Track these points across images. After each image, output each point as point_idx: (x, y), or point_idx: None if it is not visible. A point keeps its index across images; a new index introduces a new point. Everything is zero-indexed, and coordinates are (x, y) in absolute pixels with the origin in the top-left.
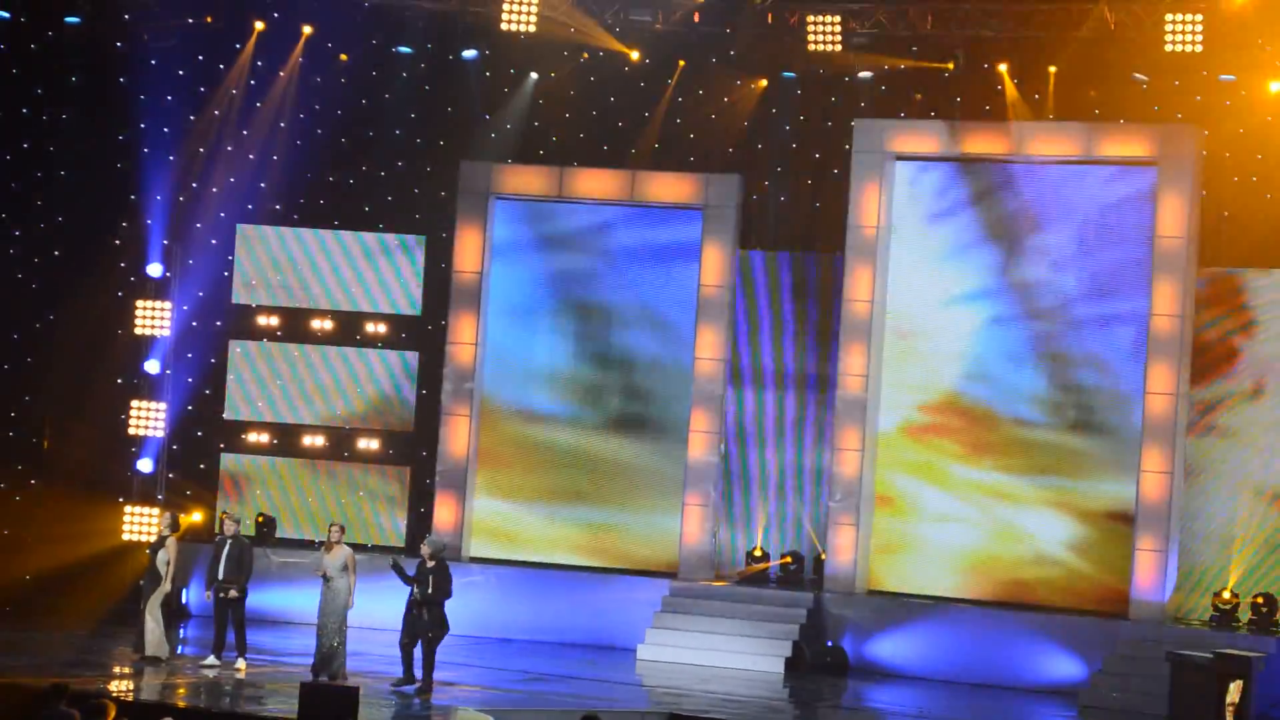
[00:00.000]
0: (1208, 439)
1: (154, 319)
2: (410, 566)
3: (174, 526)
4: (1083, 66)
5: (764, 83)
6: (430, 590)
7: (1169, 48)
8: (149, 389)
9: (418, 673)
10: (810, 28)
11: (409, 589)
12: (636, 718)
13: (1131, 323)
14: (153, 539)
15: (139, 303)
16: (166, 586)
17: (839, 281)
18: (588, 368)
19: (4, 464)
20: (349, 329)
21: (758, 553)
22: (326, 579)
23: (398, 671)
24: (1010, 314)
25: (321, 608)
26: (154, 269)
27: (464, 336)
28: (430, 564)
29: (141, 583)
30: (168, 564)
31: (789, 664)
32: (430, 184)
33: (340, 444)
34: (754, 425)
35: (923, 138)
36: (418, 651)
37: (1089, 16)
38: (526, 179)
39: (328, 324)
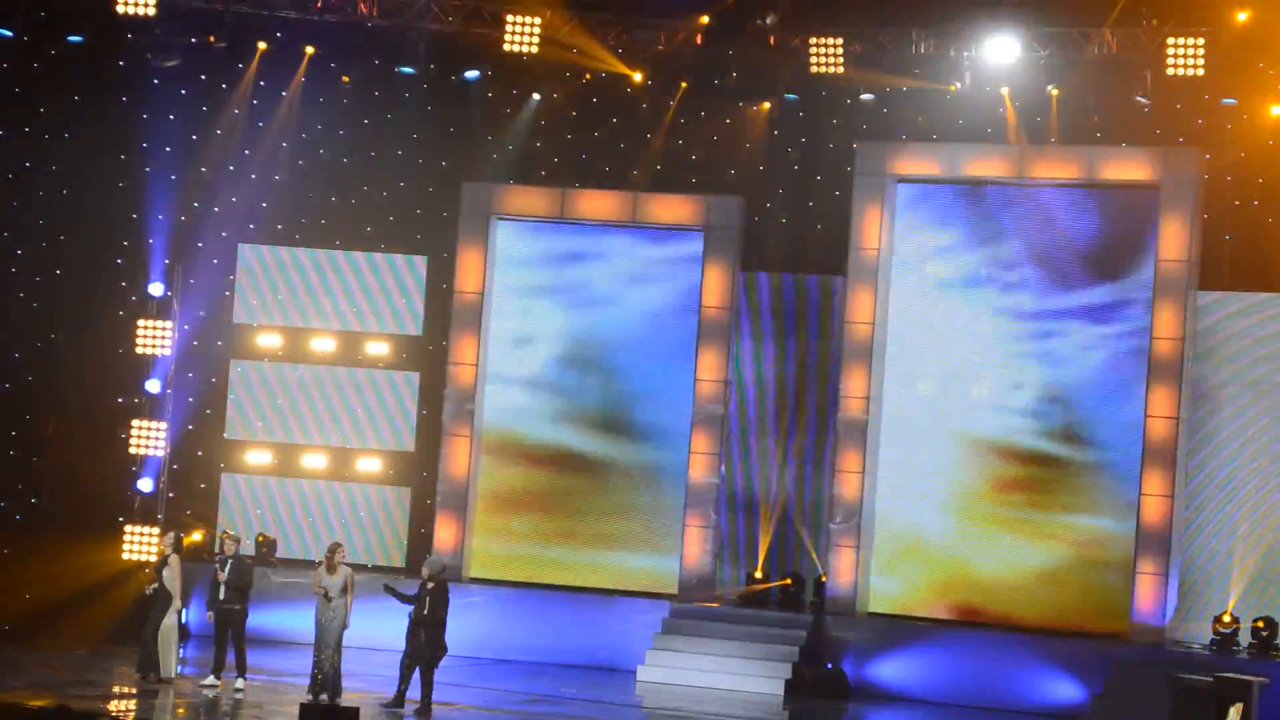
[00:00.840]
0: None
1: (155, 338)
2: (408, 587)
3: (177, 546)
4: (1085, 90)
5: (766, 105)
6: (427, 611)
7: (1171, 71)
8: (150, 408)
9: (413, 695)
10: (813, 50)
11: (409, 607)
12: None
13: (1136, 346)
14: (155, 559)
15: (140, 322)
16: (177, 604)
17: (840, 303)
18: (588, 388)
19: (4, 483)
20: (350, 349)
21: (758, 574)
22: (327, 599)
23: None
24: (1014, 336)
25: (320, 627)
26: (155, 288)
27: (465, 357)
28: (430, 585)
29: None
30: (174, 581)
31: (789, 686)
32: (432, 204)
33: (341, 464)
34: (755, 446)
35: (924, 160)
36: (416, 675)
37: (1091, 40)
38: (528, 200)
39: (329, 344)
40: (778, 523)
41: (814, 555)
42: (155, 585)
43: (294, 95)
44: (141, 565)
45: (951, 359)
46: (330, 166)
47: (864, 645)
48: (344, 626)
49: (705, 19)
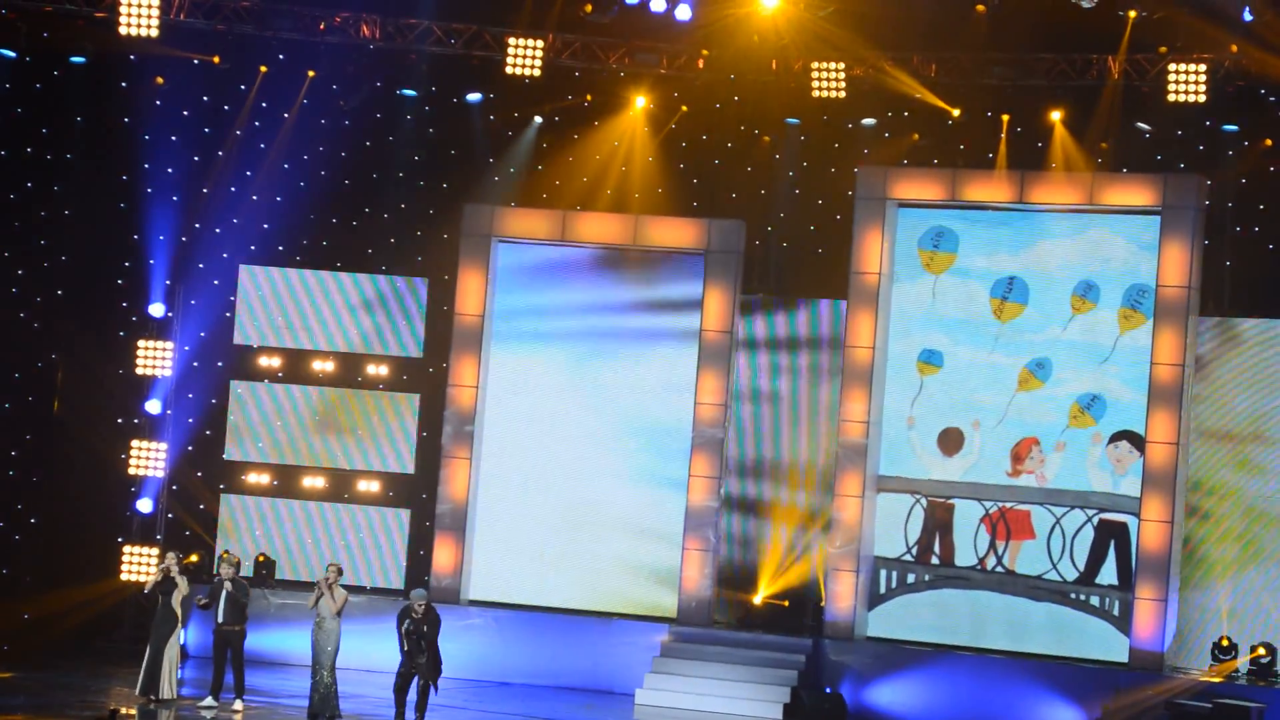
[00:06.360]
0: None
1: (155, 359)
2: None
3: (181, 567)
4: (1086, 115)
5: (768, 132)
6: (425, 628)
7: (1172, 98)
8: (150, 429)
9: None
10: (814, 74)
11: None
12: None
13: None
14: (156, 579)
15: (140, 342)
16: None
17: (841, 327)
18: (588, 410)
19: (3, 502)
20: (350, 370)
21: (755, 598)
22: (320, 620)
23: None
24: (1010, 361)
25: (315, 648)
26: (156, 309)
27: (465, 379)
28: (417, 612)
29: (154, 623)
30: (182, 603)
31: (787, 710)
32: (433, 226)
33: (340, 486)
34: (758, 470)
35: (925, 185)
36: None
37: (1093, 66)
38: (529, 222)
39: (329, 365)
40: (782, 547)
41: (820, 580)
42: (148, 591)
43: (295, 117)
44: (140, 586)
45: (951, 383)
46: (331, 188)
47: (863, 669)
48: (337, 648)
49: (706, 52)
